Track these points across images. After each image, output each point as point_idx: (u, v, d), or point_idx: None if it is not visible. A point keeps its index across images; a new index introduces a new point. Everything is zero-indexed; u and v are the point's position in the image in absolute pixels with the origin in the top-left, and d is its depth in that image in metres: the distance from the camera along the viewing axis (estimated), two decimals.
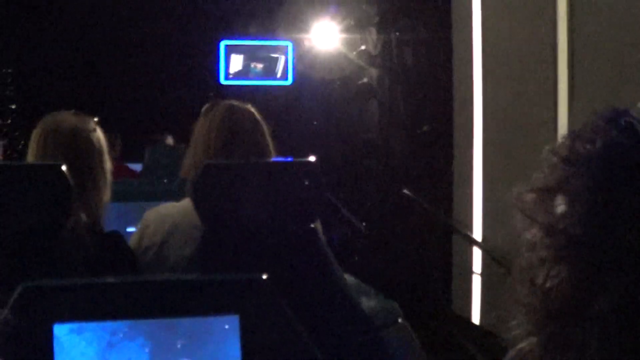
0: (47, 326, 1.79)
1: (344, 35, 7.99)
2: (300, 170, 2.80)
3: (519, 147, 5.48)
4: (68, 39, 8.62)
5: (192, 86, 8.42)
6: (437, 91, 7.40)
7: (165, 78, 8.88)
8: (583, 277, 0.78)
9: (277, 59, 7.55)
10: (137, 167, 6.58)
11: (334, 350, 2.16)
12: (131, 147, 6.92)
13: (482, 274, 6.33)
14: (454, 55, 7.04)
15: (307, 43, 7.98)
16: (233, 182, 2.74)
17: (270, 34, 7.96)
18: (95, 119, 2.98)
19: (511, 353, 0.85)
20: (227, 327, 1.87)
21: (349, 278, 2.96)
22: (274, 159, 3.03)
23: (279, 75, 7.57)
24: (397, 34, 7.74)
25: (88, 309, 1.86)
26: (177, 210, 2.98)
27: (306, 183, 2.74)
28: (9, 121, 7.70)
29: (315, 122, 8.39)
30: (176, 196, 3.12)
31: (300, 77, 7.83)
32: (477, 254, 6.42)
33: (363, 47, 7.90)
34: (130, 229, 3.23)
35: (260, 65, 7.49)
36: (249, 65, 7.46)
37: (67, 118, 2.90)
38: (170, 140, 7.18)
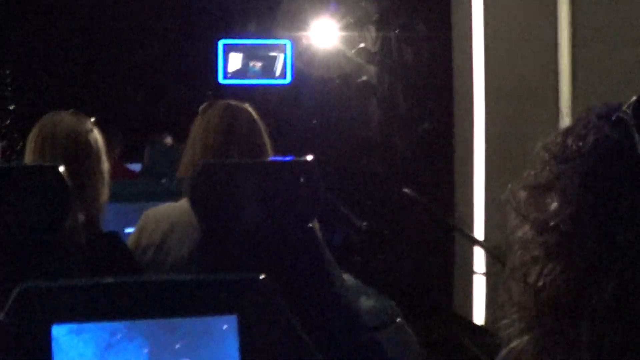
0: (45, 327, 1.79)
1: (343, 33, 7.98)
2: (297, 170, 2.80)
3: (520, 145, 5.45)
4: (66, 38, 8.61)
5: (191, 85, 8.42)
6: (437, 89, 7.39)
7: (163, 77, 8.87)
8: (575, 274, 0.78)
9: (275, 57, 7.54)
10: (136, 167, 6.57)
11: (326, 351, 2.15)
12: (130, 147, 6.92)
13: (484, 274, 6.32)
14: (454, 53, 7.03)
15: (306, 41, 7.97)
16: (230, 181, 2.74)
17: (269, 33, 7.96)
18: (93, 119, 2.98)
19: (504, 351, 0.84)
20: (225, 327, 1.87)
21: (348, 278, 2.96)
22: (271, 158, 3.03)
23: (277, 74, 7.56)
24: (397, 31, 7.73)
25: (86, 309, 1.86)
26: (175, 210, 2.98)
27: (302, 182, 2.74)
28: (8, 122, 7.70)
29: (314, 121, 8.38)
30: (175, 196, 3.12)
31: (299, 76, 7.82)
32: (478, 253, 6.41)
33: (362, 45, 7.90)
34: (129, 230, 3.23)
35: (258, 64, 7.48)
36: (248, 64, 7.46)
37: (65, 119, 2.90)
38: (169, 140, 7.18)
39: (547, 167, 0.82)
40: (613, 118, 0.81)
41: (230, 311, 1.89)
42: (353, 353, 2.56)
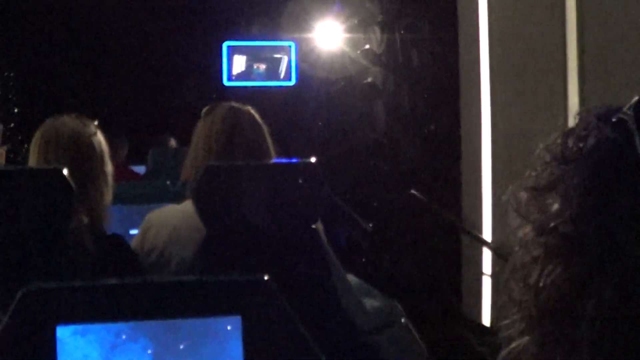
0: (50, 328, 1.80)
1: (347, 35, 7.97)
2: (300, 172, 2.80)
3: (528, 146, 5.43)
4: (70, 41, 8.62)
5: (195, 88, 8.43)
6: (444, 90, 7.38)
7: (167, 80, 8.88)
8: (575, 276, 0.78)
9: (280, 59, 7.53)
10: (140, 169, 6.58)
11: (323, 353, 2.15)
12: (134, 149, 6.92)
13: (492, 275, 6.30)
14: (460, 54, 7.02)
15: (310, 43, 7.97)
16: (234, 183, 2.74)
17: (273, 35, 7.95)
18: (96, 122, 2.98)
19: (504, 352, 0.84)
20: (229, 328, 1.87)
21: (352, 279, 2.96)
22: (275, 160, 3.04)
23: (282, 76, 7.56)
24: (402, 32, 7.72)
25: (91, 310, 1.86)
26: (179, 212, 2.98)
27: (304, 183, 2.74)
28: (12, 125, 7.71)
29: (319, 123, 8.38)
30: (179, 199, 3.12)
31: (304, 78, 7.81)
32: (486, 254, 6.40)
33: (367, 47, 7.89)
34: (134, 232, 3.24)
35: (263, 66, 7.47)
36: (252, 66, 7.45)
37: (68, 122, 2.91)
38: (173, 143, 7.18)
39: (548, 168, 0.83)
40: (613, 119, 0.81)
41: (234, 312, 1.89)
42: (349, 355, 2.56)
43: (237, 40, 7.56)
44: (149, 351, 1.84)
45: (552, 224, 0.80)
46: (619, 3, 4.74)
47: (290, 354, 1.94)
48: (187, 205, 2.92)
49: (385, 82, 7.90)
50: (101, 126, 3.01)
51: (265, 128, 3.07)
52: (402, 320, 2.84)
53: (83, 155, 2.84)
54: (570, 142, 0.82)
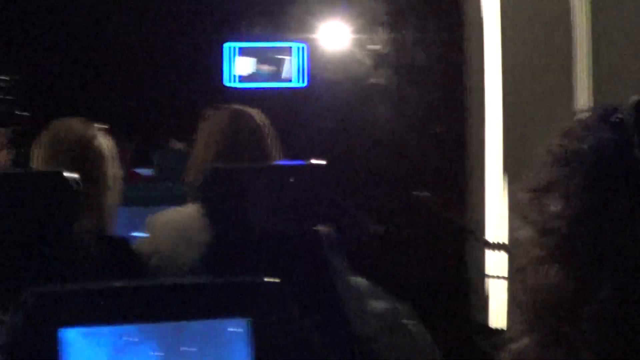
0: (54, 331, 1.78)
1: (353, 35, 7.96)
2: (305, 173, 2.79)
3: (533, 148, 5.42)
4: (74, 43, 8.63)
5: (199, 90, 8.42)
6: (449, 90, 7.38)
7: (170, 81, 8.88)
8: (575, 277, 0.78)
9: (285, 60, 7.53)
10: (145, 172, 6.58)
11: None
12: (138, 151, 6.92)
13: (497, 277, 6.31)
14: (466, 54, 7.02)
15: (316, 44, 7.97)
16: (240, 185, 2.73)
17: (279, 35, 7.95)
18: (99, 125, 2.98)
19: (504, 352, 0.84)
20: (237, 330, 1.86)
21: (360, 280, 2.94)
22: (280, 162, 3.03)
23: (287, 77, 7.56)
24: (408, 32, 7.72)
25: (96, 313, 1.85)
26: (184, 214, 2.98)
27: (311, 185, 2.73)
28: (19, 128, 7.71)
29: (326, 124, 8.37)
30: (184, 201, 3.12)
31: (310, 78, 7.81)
32: (491, 255, 6.41)
33: (373, 47, 7.89)
34: (139, 234, 3.23)
35: (268, 67, 7.47)
36: (258, 67, 7.45)
37: (70, 125, 2.91)
38: (177, 145, 7.19)
39: (547, 169, 0.83)
40: (612, 119, 0.81)
41: (241, 314, 1.88)
42: None
43: (243, 41, 7.55)
44: (156, 353, 1.83)
45: (551, 225, 0.80)
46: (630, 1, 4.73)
47: (298, 357, 1.93)
48: (193, 207, 2.91)
49: (391, 82, 7.90)
50: (105, 129, 3.01)
51: (269, 129, 3.06)
52: (412, 321, 2.83)
53: (87, 158, 2.84)
54: (569, 143, 0.82)
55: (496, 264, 6.31)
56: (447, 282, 7.17)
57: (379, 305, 2.85)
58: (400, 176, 7.77)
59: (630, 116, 0.81)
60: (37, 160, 2.86)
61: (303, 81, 7.62)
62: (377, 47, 7.88)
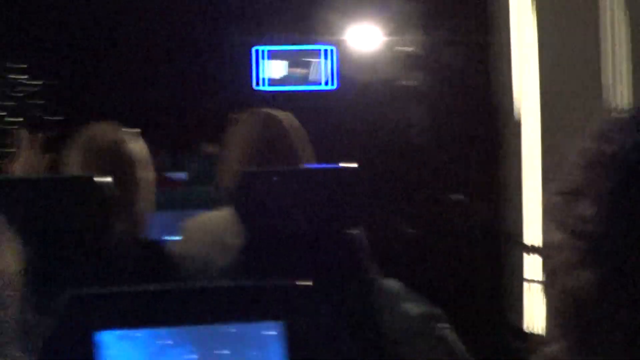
0: (89, 334, 1.80)
1: (384, 37, 7.95)
2: (337, 176, 2.79)
3: (569, 148, 5.38)
4: (105, 48, 8.68)
5: (229, 93, 8.43)
6: (483, 92, 7.34)
7: (202, 85, 8.90)
8: (608, 282, 0.77)
9: (317, 63, 7.52)
10: (177, 176, 6.61)
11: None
12: (172, 156, 6.96)
13: (534, 280, 6.26)
14: (496, 55, 6.99)
15: (346, 46, 7.95)
16: (273, 189, 2.74)
17: (308, 38, 7.95)
18: (134, 130, 2.99)
19: (538, 356, 0.83)
20: (272, 333, 1.86)
21: (393, 283, 2.94)
22: (312, 165, 3.03)
23: (319, 80, 7.55)
24: (440, 34, 7.69)
25: (133, 316, 1.86)
26: (218, 218, 2.98)
27: (344, 188, 2.73)
28: (54, 134, 7.76)
29: (357, 126, 8.35)
30: (217, 205, 3.13)
31: (341, 81, 7.80)
32: (527, 259, 6.36)
33: (405, 49, 7.86)
34: (173, 238, 3.25)
35: (300, 71, 7.47)
36: (289, 70, 7.45)
37: (104, 129, 2.93)
38: (210, 149, 7.21)
39: (580, 172, 0.82)
40: None
41: (275, 317, 1.88)
42: None
43: (274, 44, 7.55)
44: (192, 357, 1.84)
45: (585, 228, 0.79)
46: None
47: None
48: (226, 211, 2.92)
49: (424, 84, 7.88)
50: (138, 134, 3.02)
51: (301, 132, 3.06)
52: (445, 325, 2.82)
53: (121, 163, 2.85)
54: (602, 146, 0.81)
55: (534, 267, 6.27)
56: (483, 286, 7.13)
57: (411, 308, 2.84)
58: (434, 179, 7.74)
59: None
60: (70, 165, 2.88)
61: (333, 84, 7.61)
62: (409, 48, 7.86)
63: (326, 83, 7.54)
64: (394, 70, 7.91)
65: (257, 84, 7.56)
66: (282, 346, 1.86)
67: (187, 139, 7.86)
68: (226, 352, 1.85)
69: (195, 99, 8.87)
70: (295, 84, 7.50)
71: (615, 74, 5.06)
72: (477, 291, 7.15)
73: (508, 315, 6.74)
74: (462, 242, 7.37)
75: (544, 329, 0.83)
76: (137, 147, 2.95)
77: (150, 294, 1.93)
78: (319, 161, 3.10)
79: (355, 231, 2.78)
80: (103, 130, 2.92)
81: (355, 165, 2.83)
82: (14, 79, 8.24)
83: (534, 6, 6.22)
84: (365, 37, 7.98)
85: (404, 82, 7.94)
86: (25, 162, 3.05)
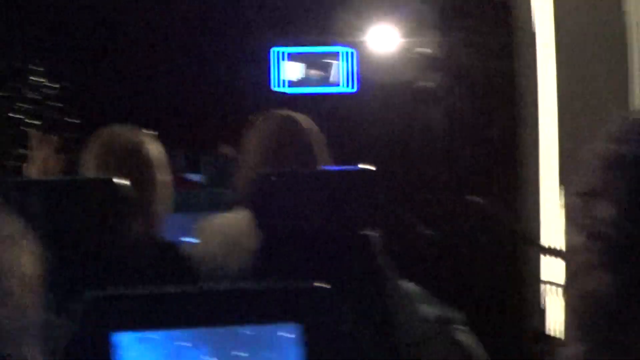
0: (107, 336, 1.80)
1: (404, 39, 7.93)
2: (355, 178, 2.79)
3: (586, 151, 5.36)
4: (122, 50, 8.71)
5: (247, 95, 8.45)
6: (503, 94, 7.32)
7: (221, 88, 8.92)
8: (626, 283, 0.76)
9: (335, 65, 7.51)
10: (195, 178, 6.63)
11: None
12: (189, 158, 6.97)
13: (553, 283, 6.24)
14: (518, 56, 6.96)
15: (365, 48, 7.94)
16: (289, 191, 2.74)
17: (328, 40, 7.94)
18: (150, 132, 3.00)
19: (556, 357, 0.83)
20: (289, 335, 1.86)
21: (411, 286, 2.94)
22: (330, 167, 3.03)
23: (337, 82, 7.54)
24: (460, 35, 7.66)
25: (150, 318, 1.86)
26: (234, 220, 2.99)
27: (361, 190, 2.73)
28: (70, 135, 7.80)
29: (376, 128, 8.35)
30: (234, 207, 3.13)
31: (360, 83, 7.79)
32: (546, 261, 6.34)
33: (424, 50, 7.84)
34: (190, 240, 3.25)
35: (318, 73, 7.46)
36: (307, 72, 7.45)
37: (121, 131, 2.93)
38: (227, 151, 7.22)
39: (597, 173, 0.82)
40: None
41: (292, 319, 1.88)
42: None
43: (292, 46, 7.55)
44: (209, 358, 1.84)
45: (602, 230, 0.78)
46: None
47: None
48: (241, 213, 2.92)
49: (443, 85, 7.86)
50: (155, 136, 3.03)
51: (319, 134, 3.06)
52: (463, 327, 2.81)
53: (136, 165, 2.86)
54: (620, 147, 0.81)
55: (552, 269, 6.25)
56: (501, 288, 7.10)
57: (429, 311, 2.84)
58: (453, 181, 7.73)
59: None
60: (88, 167, 2.89)
61: (352, 86, 7.60)
62: (428, 50, 7.84)
63: (345, 85, 7.53)
64: (413, 73, 7.90)
65: (277, 85, 7.56)
66: (299, 348, 1.86)
67: (204, 141, 7.88)
68: (243, 354, 1.85)
69: (213, 100, 8.89)
70: (313, 86, 7.49)
71: (633, 78, 5.04)
72: (495, 293, 7.13)
73: (527, 318, 6.72)
74: (480, 244, 7.35)
75: (563, 331, 0.83)
76: (155, 149, 2.95)
77: (168, 295, 1.94)
78: (338, 163, 3.10)
79: (372, 233, 2.78)
80: (119, 133, 2.93)
81: (372, 167, 2.83)
82: (33, 81, 8.28)
83: (553, 7, 6.21)
84: (386, 39, 7.97)
85: (424, 84, 7.92)
86: (39, 163, 3.06)
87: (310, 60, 7.50)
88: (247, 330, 1.86)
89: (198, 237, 3.01)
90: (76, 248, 2.51)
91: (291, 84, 7.45)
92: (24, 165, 3.14)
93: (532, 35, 6.46)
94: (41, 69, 8.39)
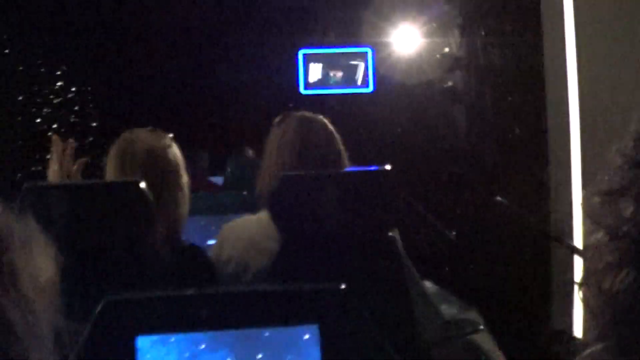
0: (130, 338, 1.81)
1: (426, 39, 7.91)
2: (375, 179, 2.79)
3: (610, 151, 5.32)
4: (145, 54, 8.73)
5: (272, 97, 8.46)
6: (528, 92, 7.27)
7: (244, 90, 8.93)
8: None
9: (357, 66, 7.50)
10: (218, 180, 6.63)
11: None
12: (212, 160, 6.98)
13: (576, 282, 6.16)
14: (545, 55, 6.91)
15: (387, 48, 7.93)
16: (309, 193, 2.75)
17: (349, 41, 7.93)
18: (171, 135, 3.01)
19: (579, 358, 0.83)
20: (307, 337, 1.87)
21: (431, 286, 2.94)
22: (350, 168, 3.03)
23: (359, 82, 7.53)
24: (483, 34, 7.63)
25: (171, 320, 1.88)
26: (255, 222, 2.99)
27: (379, 191, 2.73)
28: (91, 139, 7.83)
29: (399, 129, 8.33)
30: (256, 209, 3.14)
31: (382, 84, 7.77)
32: (578, 262, 6.28)
33: (447, 50, 7.82)
34: (211, 242, 3.26)
35: (339, 74, 7.46)
36: (328, 73, 7.44)
37: (143, 135, 2.94)
38: (250, 153, 7.22)
39: (621, 172, 0.81)
40: None
41: (312, 321, 1.89)
42: None
43: (312, 48, 7.56)
44: None
45: (625, 229, 0.78)
46: None
47: None
48: (263, 215, 2.93)
49: (466, 85, 7.83)
50: (180, 138, 3.04)
51: (337, 136, 3.06)
52: (480, 327, 2.81)
53: (159, 168, 2.87)
54: None
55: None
56: (530, 290, 7.05)
57: (447, 311, 2.84)
58: (478, 180, 7.69)
59: None
60: (110, 170, 2.91)
61: (373, 86, 7.60)
62: (450, 50, 7.82)
63: (365, 86, 7.52)
64: (433, 72, 7.88)
65: (304, 87, 7.55)
66: (317, 349, 1.86)
67: (225, 143, 7.89)
68: (262, 355, 1.86)
69: (236, 103, 8.91)
70: (335, 87, 7.48)
71: None
72: (524, 295, 7.08)
73: (556, 319, 6.67)
74: (508, 244, 7.30)
75: (584, 331, 0.83)
76: (175, 151, 2.97)
77: (187, 298, 1.95)
78: (357, 164, 3.10)
79: (391, 233, 2.78)
80: (142, 136, 2.94)
81: (388, 167, 2.83)
82: (50, 85, 8.33)
83: (574, 7, 6.17)
84: (407, 39, 7.95)
85: (443, 83, 7.90)
86: (57, 167, 3.08)
87: (331, 61, 7.49)
88: (266, 332, 1.87)
89: (221, 239, 3.02)
90: (101, 251, 2.53)
91: (314, 84, 7.45)
92: (48, 170, 3.16)
93: (562, 35, 6.42)
94: (64, 74, 8.43)
